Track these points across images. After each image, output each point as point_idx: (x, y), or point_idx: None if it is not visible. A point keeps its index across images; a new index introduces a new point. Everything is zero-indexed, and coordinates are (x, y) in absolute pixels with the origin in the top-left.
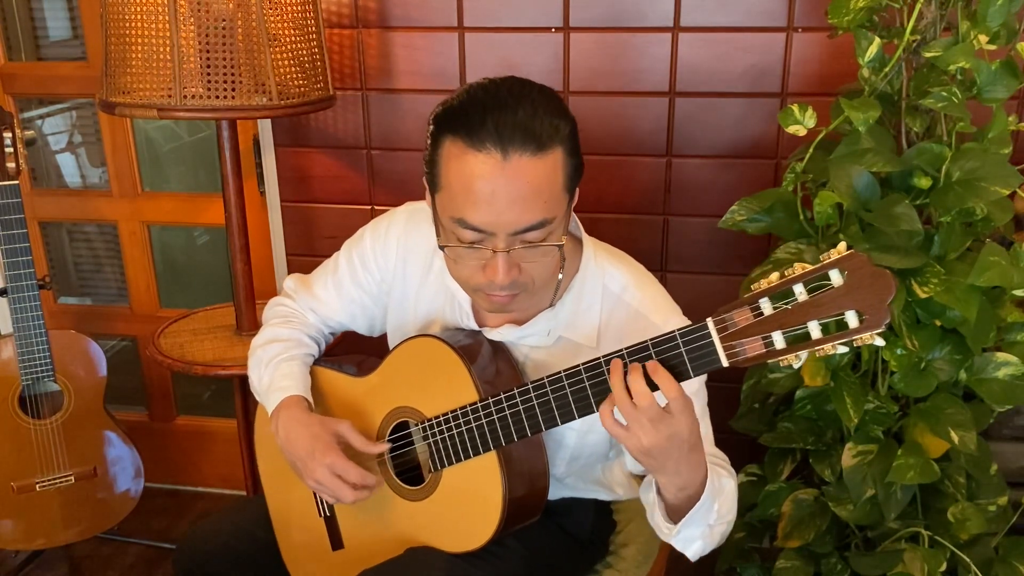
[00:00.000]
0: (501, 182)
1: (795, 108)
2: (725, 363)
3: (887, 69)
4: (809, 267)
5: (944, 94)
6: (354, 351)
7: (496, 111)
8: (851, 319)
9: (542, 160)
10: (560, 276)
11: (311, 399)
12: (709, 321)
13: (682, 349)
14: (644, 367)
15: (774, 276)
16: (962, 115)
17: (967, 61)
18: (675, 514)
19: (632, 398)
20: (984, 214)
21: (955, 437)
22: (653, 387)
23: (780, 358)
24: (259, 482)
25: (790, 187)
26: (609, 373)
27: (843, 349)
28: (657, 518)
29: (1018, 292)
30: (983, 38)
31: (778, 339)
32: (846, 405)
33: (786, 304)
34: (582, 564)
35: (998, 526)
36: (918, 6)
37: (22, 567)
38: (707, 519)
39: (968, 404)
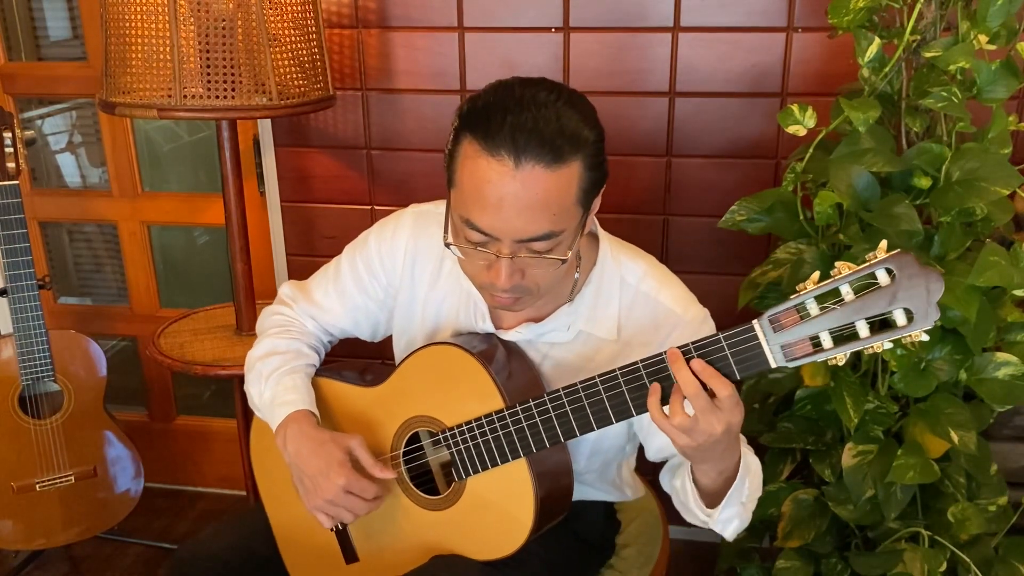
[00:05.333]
0: (511, 190)
1: (795, 108)
2: (773, 364)
3: (887, 69)
4: (855, 267)
5: (944, 94)
6: (348, 355)
7: (516, 116)
8: (899, 317)
9: (556, 172)
10: (577, 273)
11: (317, 413)
12: (755, 323)
13: (727, 352)
14: (690, 366)
15: (815, 275)
16: (962, 115)
17: (967, 61)
18: (708, 498)
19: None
20: (984, 214)
21: (955, 437)
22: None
23: (828, 357)
24: (258, 493)
25: (790, 187)
26: (671, 366)
27: (890, 346)
28: (692, 505)
29: (1018, 292)
30: (983, 38)
31: (826, 339)
32: (846, 405)
33: (833, 304)
34: (592, 566)
35: (998, 526)
36: (918, 6)
37: (22, 567)
38: (740, 497)
39: (968, 404)
